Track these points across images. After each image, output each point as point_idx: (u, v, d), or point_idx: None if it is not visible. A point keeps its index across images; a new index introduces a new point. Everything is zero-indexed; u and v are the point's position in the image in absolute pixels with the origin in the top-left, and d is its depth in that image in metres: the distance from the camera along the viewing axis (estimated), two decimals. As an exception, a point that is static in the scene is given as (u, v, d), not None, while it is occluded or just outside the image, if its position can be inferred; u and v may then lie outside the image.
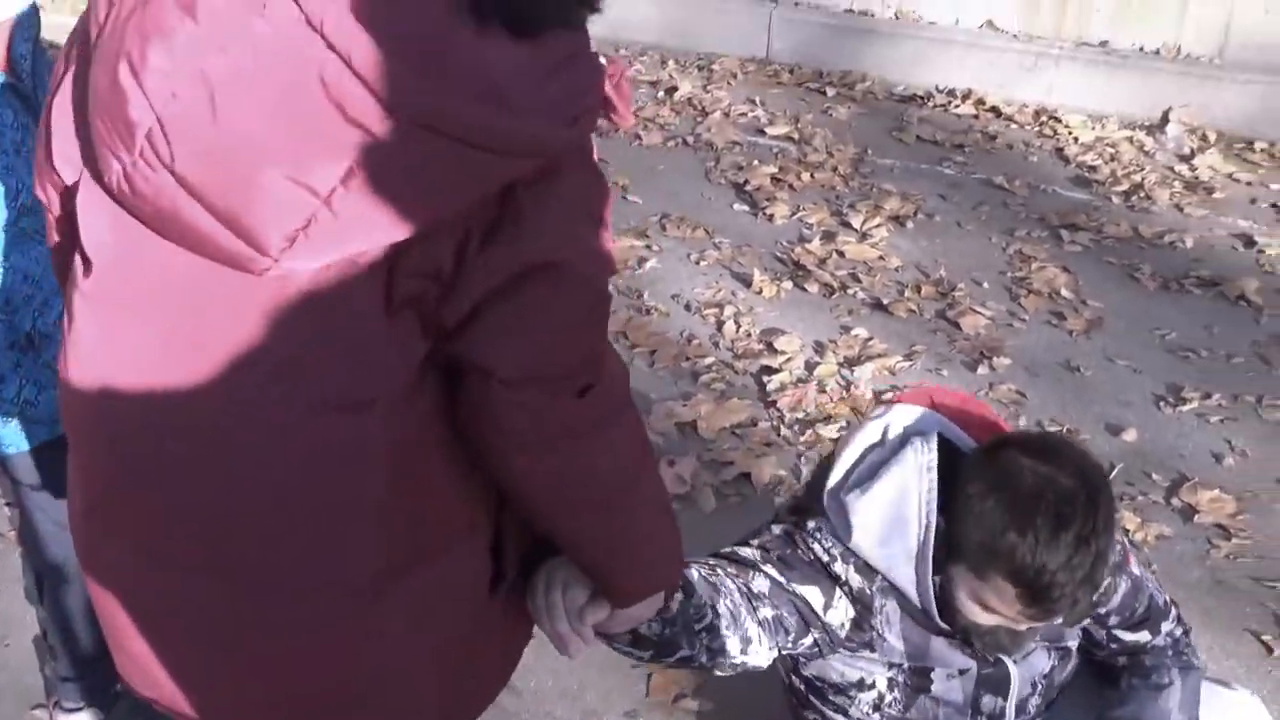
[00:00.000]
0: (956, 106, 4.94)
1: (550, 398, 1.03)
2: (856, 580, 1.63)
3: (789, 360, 3.22)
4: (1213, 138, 4.73)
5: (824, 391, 3.10)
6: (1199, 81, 4.82)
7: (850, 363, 3.23)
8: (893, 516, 1.58)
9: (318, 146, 0.90)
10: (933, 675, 1.68)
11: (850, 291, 3.57)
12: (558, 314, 1.00)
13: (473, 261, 0.97)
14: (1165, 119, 4.79)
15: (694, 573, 1.48)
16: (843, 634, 1.64)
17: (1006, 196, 4.21)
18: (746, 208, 4.09)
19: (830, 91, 5.07)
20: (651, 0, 5.50)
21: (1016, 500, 1.48)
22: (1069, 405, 3.12)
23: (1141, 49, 5.01)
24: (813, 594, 1.61)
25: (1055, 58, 4.97)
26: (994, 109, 4.92)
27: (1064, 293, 3.60)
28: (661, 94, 4.98)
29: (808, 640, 1.63)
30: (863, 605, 1.63)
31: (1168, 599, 1.82)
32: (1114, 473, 2.86)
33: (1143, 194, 4.26)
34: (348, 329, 0.98)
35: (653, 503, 1.18)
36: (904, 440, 1.63)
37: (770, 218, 4.00)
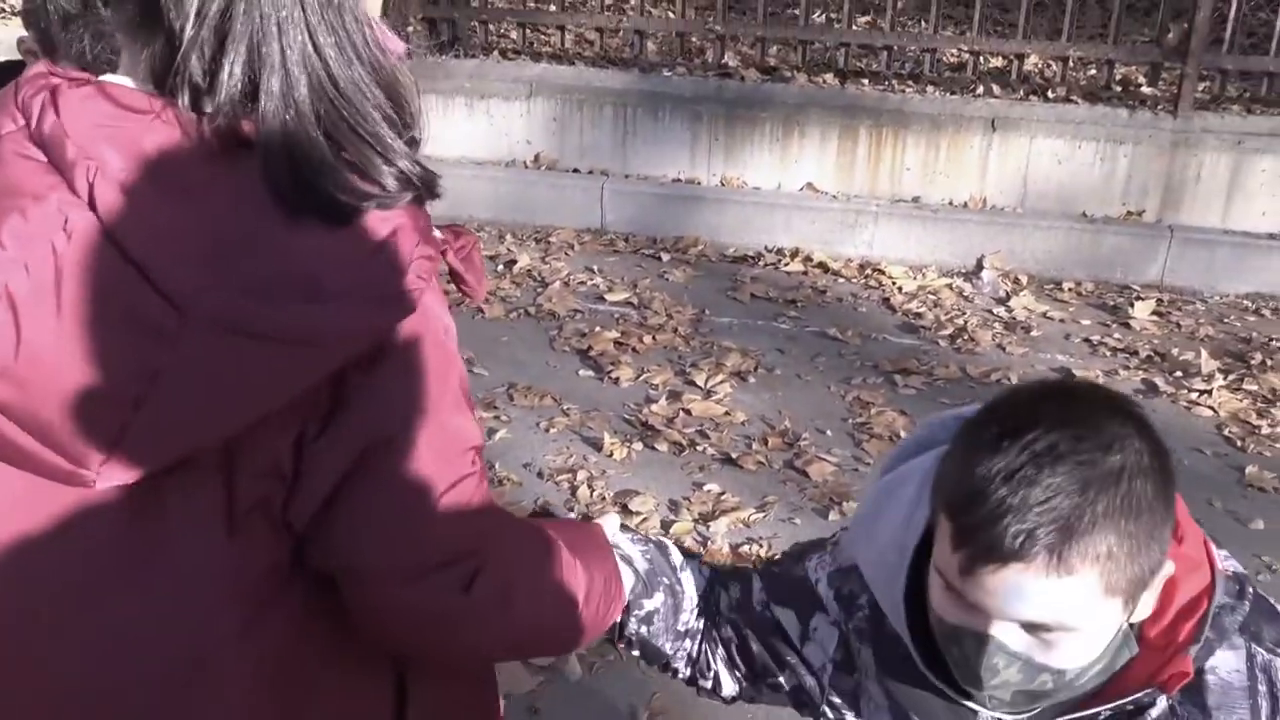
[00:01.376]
0: (786, 264, 5.15)
1: (435, 592, 0.99)
2: (835, 609, 1.33)
3: (645, 520, 3.23)
4: (1024, 280, 5.03)
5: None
6: (1006, 229, 5.16)
7: (705, 518, 3.25)
8: (890, 494, 1.28)
9: (122, 357, 0.86)
10: None
11: (699, 448, 3.62)
12: (412, 500, 0.96)
13: (312, 454, 0.92)
14: (979, 265, 5.09)
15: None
16: (825, 677, 1.33)
17: (840, 347, 4.37)
18: (592, 373, 4.14)
19: (665, 256, 5.23)
20: (487, 177, 5.64)
21: (985, 417, 1.11)
22: (919, 543, 3.19)
23: (950, 202, 5.35)
24: (787, 618, 1.35)
25: (873, 214, 5.25)
26: (821, 265, 5.14)
27: (903, 435, 3.72)
28: (501, 267, 5.05)
29: (781, 681, 1.36)
30: (843, 642, 1.33)
31: None
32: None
33: (967, 336, 4.47)
34: (183, 539, 0.94)
35: (583, 614, 1.19)
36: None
37: (616, 381, 4.06)
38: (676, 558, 1.41)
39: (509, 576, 1.05)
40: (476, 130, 5.82)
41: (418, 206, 0.97)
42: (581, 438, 3.69)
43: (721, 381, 4.03)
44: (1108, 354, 4.41)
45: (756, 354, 4.26)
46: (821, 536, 1.44)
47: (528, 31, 6.13)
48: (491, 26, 6.21)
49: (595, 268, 5.09)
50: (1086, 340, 4.52)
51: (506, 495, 3.34)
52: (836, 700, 1.34)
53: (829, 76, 5.67)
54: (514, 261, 5.10)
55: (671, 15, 6.07)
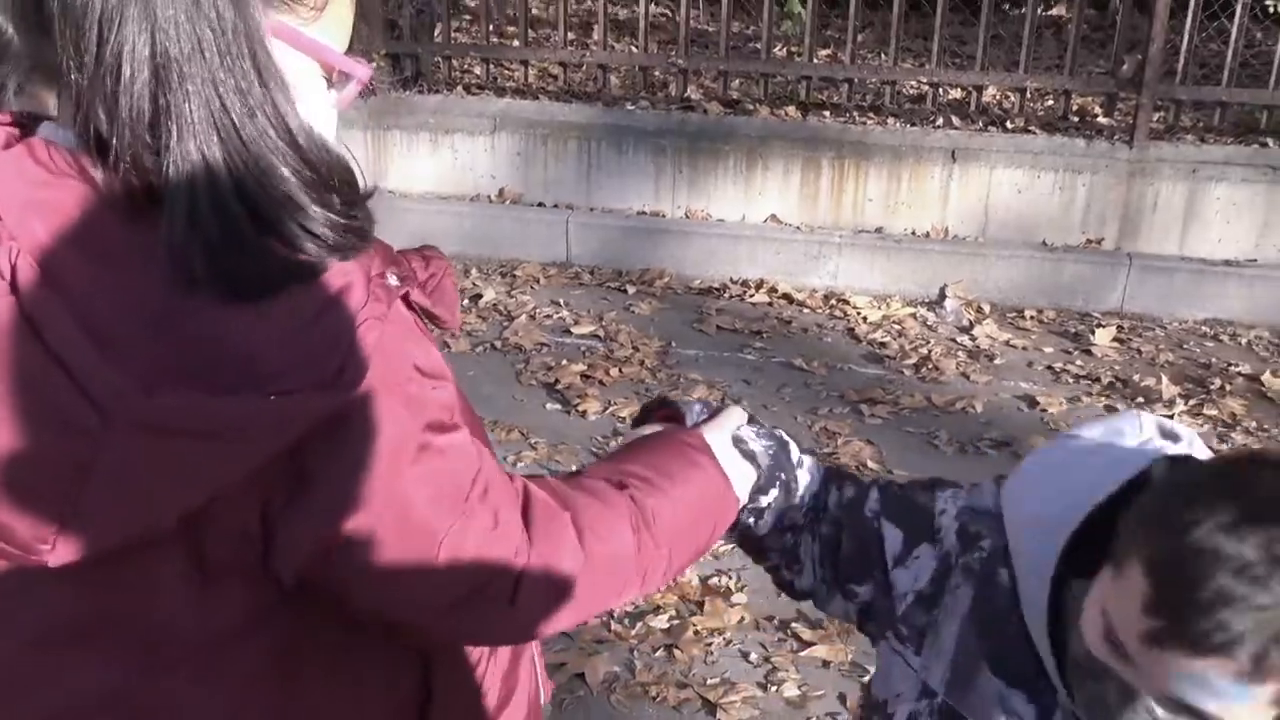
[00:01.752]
0: (751, 296, 5.18)
1: (479, 614, 0.98)
2: (952, 541, 1.28)
3: (613, 554, 3.22)
4: (987, 309, 5.08)
5: (651, 582, 3.10)
6: (968, 258, 5.21)
7: (674, 551, 3.24)
8: (1068, 466, 1.20)
9: (50, 453, 0.83)
10: None
11: (667, 480, 3.62)
12: (416, 551, 0.93)
13: (284, 523, 0.89)
14: (943, 295, 5.14)
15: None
16: (901, 606, 1.29)
17: (807, 377, 4.39)
18: (559, 406, 4.14)
19: (631, 289, 5.24)
20: (452, 212, 5.65)
21: (1223, 484, 1.01)
22: (887, 573, 3.20)
23: (913, 232, 5.40)
24: (893, 536, 1.32)
25: (837, 245, 5.29)
26: (786, 296, 5.17)
27: (870, 464, 3.74)
28: (467, 301, 5.05)
29: (859, 591, 1.34)
30: (940, 576, 1.28)
31: None
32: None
33: (931, 365, 4.51)
34: (147, 603, 0.92)
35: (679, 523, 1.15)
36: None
37: (583, 414, 4.05)
38: (795, 453, 1.39)
39: (555, 571, 1.02)
40: (441, 165, 5.83)
41: (375, 246, 0.94)
42: (549, 471, 3.67)
43: (688, 413, 4.03)
44: (1070, 381, 4.46)
45: (723, 385, 4.27)
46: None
47: (491, 66, 6.15)
48: (455, 62, 6.23)
49: (561, 301, 5.10)
50: (1049, 368, 4.56)
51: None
52: (904, 631, 1.30)
53: (791, 109, 5.72)
54: (480, 296, 5.10)
55: (634, 50, 6.11)
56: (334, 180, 0.89)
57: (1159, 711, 1.03)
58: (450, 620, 0.99)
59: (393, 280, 0.93)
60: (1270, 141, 5.29)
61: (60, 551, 0.86)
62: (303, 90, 0.91)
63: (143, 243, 0.83)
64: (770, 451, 1.36)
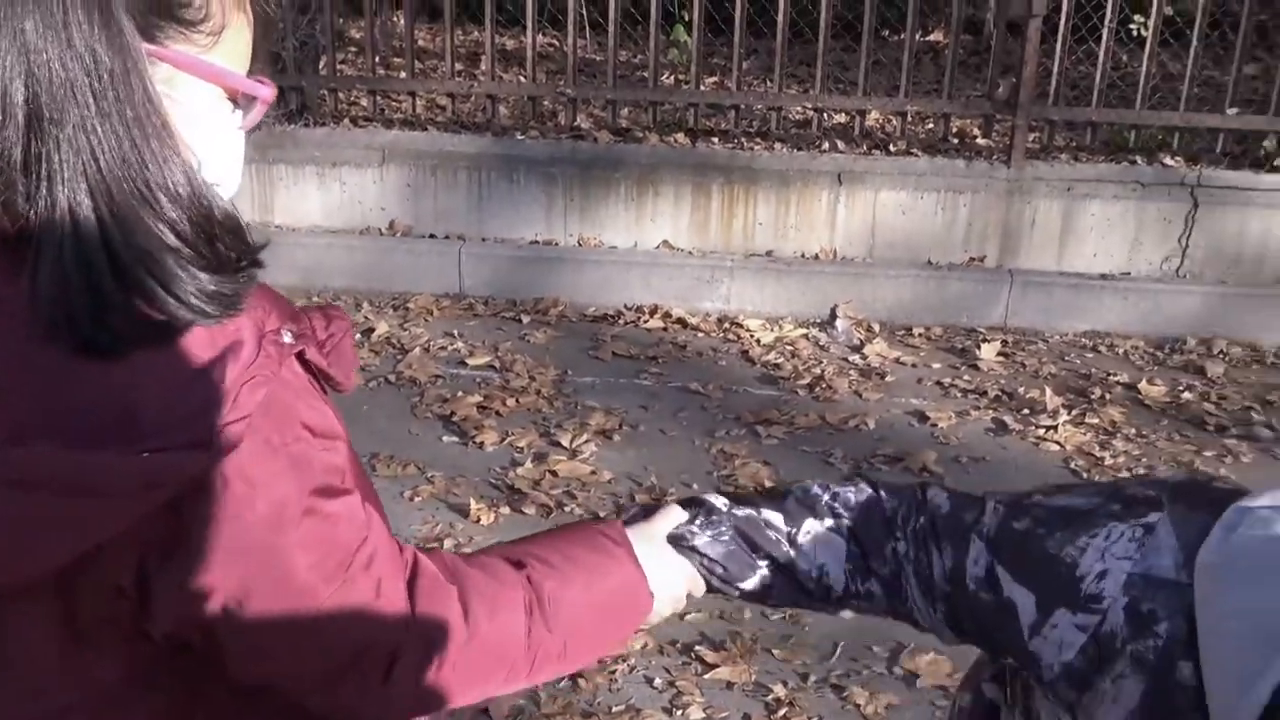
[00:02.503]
0: (646, 321, 5.20)
1: (354, 690, 0.96)
2: (1119, 621, 1.02)
3: (514, 585, 3.19)
4: (876, 327, 5.18)
5: (553, 612, 3.08)
6: (856, 279, 5.31)
7: (575, 579, 3.23)
8: None
9: None
10: None
11: (567, 509, 3.61)
12: (296, 617, 0.91)
13: (160, 585, 0.87)
14: (833, 315, 5.22)
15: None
16: (1049, 676, 1.07)
17: (703, 400, 4.42)
18: (456, 438, 4.10)
19: (525, 319, 5.23)
20: (342, 245, 5.58)
21: None
22: (787, 592, 3.22)
23: (803, 255, 5.49)
24: (1024, 602, 1.09)
25: (729, 269, 5.35)
26: (680, 321, 5.21)
27: (768, 484, 3.78)
28: (359, 335, 4.98)
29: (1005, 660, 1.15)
30: (1097, 657, 1.04)
31: None
32: (838, 652, 2.96)
33: (824, 385, 4.57)
34: (25, 653, 0.89)
35: (578, 617, 1.10)
36: None
37: (480, 445, 4.02)
38: (780, 532, 1.25)
39: (435, 647, 0.99)
40: (329, 199, 5.75)
41: (267, 299, 0.92)
42: (447, 505, 3.64)
43: (586, 441, 4.04)
44: (959, 395, 4.56)
45: (620, 412, 4.28)
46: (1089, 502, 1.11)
47: (378, 98, 6.10)
48: (341, 94, 6.17)
49: (455, 332, 5.06)
50: (938, 383, 4.66)
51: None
52: (1056, 695, 1.08)
53: (680, 136, 5.78)
54: (372, 330, 5.04)
55: (523, 79, 6.12)
56: (216, 233, 0.86)
57: None
58: (323, 691, 0.97)
59: (287, 337, 0.91)
60: (1139, 159, 5.50)
61: None
62: (208, 117, 0.90)
63: (11, 291, 0.81)
64: (724, 538, 1.26)
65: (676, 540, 1.25)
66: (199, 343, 0.84)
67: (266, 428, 0.86)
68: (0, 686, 0.90)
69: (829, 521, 1.27)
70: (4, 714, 0.91)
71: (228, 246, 0.87)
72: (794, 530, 1.27)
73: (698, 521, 1.26)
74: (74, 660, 0.89)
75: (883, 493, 1.28)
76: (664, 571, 1.19)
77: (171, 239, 0.83)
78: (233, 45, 0.92)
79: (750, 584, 1.26)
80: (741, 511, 1.28)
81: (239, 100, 0.94)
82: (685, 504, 1.30)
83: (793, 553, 1.26)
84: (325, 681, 0.96)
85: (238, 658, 0.92)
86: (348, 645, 0.95)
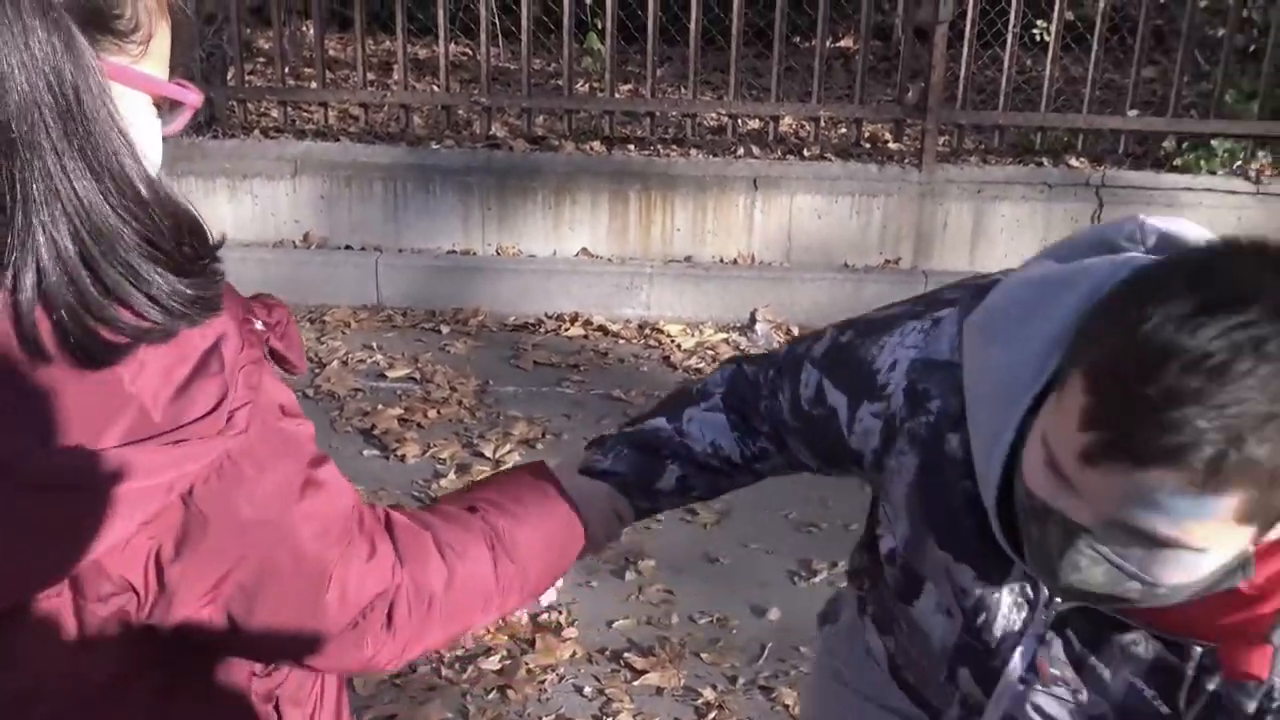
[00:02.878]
0: (566, 330, 5.19)
1: (361, 643, 1.02)
2: (899, 402, 1.15)
3: (440, 598, 3.16)
4: (796, 330, 5.23)
5: (480, 624, 3.06)
6: (775, 283, 5.36)
7: (502, 590, 3.21)
8: (1039, 302, 1.03)
9: None
10: (921, 591, 1.18)
11: (492, 519, 3.58)
12: (308, 592, 0.96)
13: (173, 571, 0.89)
14: (753, 319, 5.26)
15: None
16: (866, 462, 1.21)
17: (625, 407, 4.42)
18: (377, 452, 4.05)
19: (445, 329, 5.19)
20: (255, 259, 5.48)
21: (1182, 274, 0.87)
22: (715, 595, 3.24)
23: (721, 260, 5.52)
24: (839, 403, 1.22)
25: (648, 275, 5.36)
26: (601, 328, 5.21)
27: (692, 489, 3.78)
28: (275, 350, 4.90)
29: (850, 468, 1.27)
30: (887, 440, 1.17)
31: None
32: (765, 653, 2.98)
33: (746, 389, 4.60)
34: (30, 651, 0.89)
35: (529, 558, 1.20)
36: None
37: (402, 458, 3.98)
38: (668, 429, 1.41)
39: (424, 590, 1.06)
40: (241, 211, 5.65)
41: (231, 295, 0.94)
42: (369, 519, 3.59)
43: (510, 451, 4.01)
44: (878, 396, 4.62)
45: (543, 421, 4.26)
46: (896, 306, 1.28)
47: (289, 109, 6.01)
48: (250, 105, 6.07)
49: (374, 345, 5.01)
50: (857, 384, 4.72)
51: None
52: (874, 481, 1.24)
53: (596, 144, 5.78)
54: (288, 343, 4.95)
55: (436, 89, 6.08)
56: (184, 236, 0.88)
57: (1102, 548, 0.91)
58: (334, 651, 1.01)
59: (258, 325, 0.96)
60: (1045, 161, 5.63)
61: None
62: (140, 126, 0.90)
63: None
64: (624, 454, 1.40)
65: (587, 471, 1.39)
66: (190, 338, 0.87)
67: (262, 411, 0.90)
68: (2, 686, 0.90)
69: (704, 404, 1.42)
70: (5, 714, 0.90)
71: (194, 248, 0.89)
72: (677, 423, 1.41)
73: (597, 452, 1.41)
74: (75, 659, 0.90)
75: (743, 364, 1.44)
76: (588, 499, 1.33)
77: (147, 247, 0.85)
78: (158, 52, 0.92)
79: (665, 483, 1.40)
80: (630, 429, 1.44)
81: (164, 107, 0.95)
82: (586, 447, 1.47)
83: (685, 440, 1.39)
84: (336, 643, 1.01)
85: (252, 636, 0.95)
86: (356, 605, 1.00)
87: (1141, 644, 1.04)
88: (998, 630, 1.11)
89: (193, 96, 0.95)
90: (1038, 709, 1.12)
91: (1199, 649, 1.01)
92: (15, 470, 0.80)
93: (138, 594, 0.90)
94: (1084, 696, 1.08)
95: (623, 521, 1.43)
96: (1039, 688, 1.11)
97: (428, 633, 1.08)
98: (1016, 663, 1.11)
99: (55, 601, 0.88)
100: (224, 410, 0.87)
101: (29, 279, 0.80)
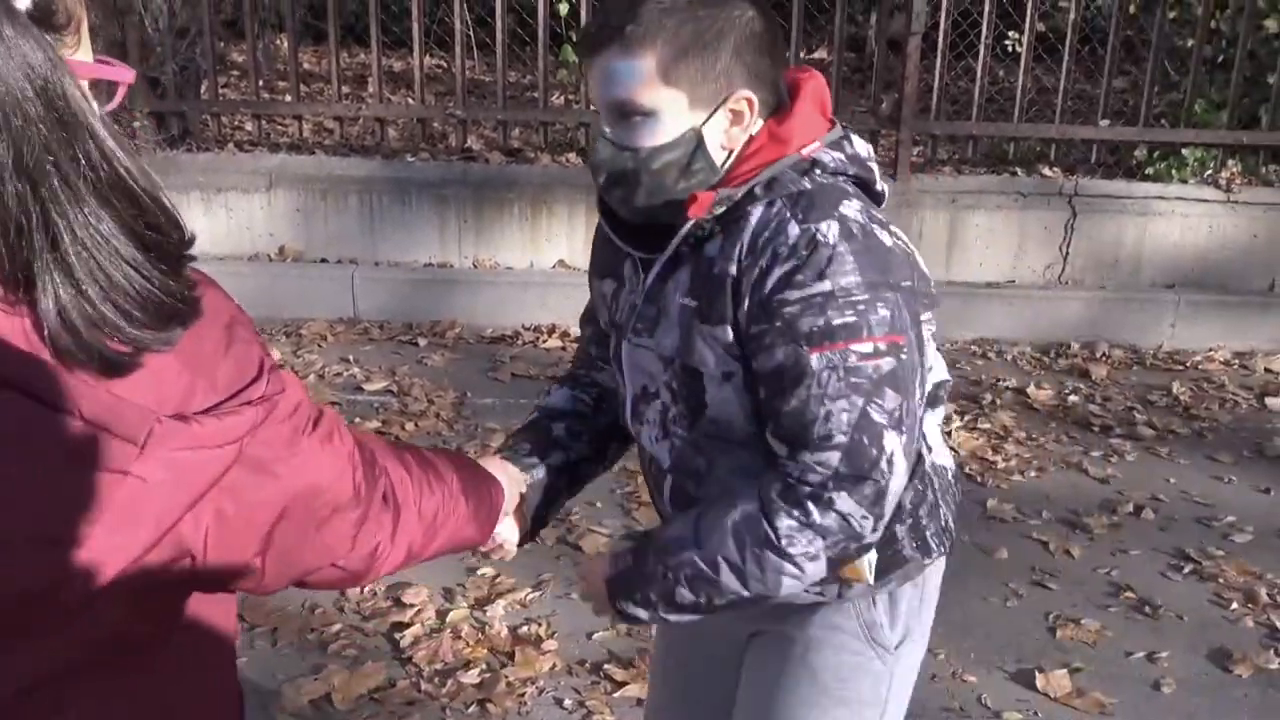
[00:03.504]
0: (544, 341, 5.19)
1: (376, 523, 1.11)
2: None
3: (419, 612, 3.15)
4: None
5: (459, 638, 3.04)
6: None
7: (481, 603, 3.20)
8: None
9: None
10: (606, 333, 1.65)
11: (471, 532, 3.57)
12: (318, 521, 1.03)
13: (218, 533, 0.93)
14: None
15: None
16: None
17: (604, 418, 4.41)
18: (354, 465, 4.02)
19: (422, 342, 5.17)
20: (230, 272, 5.44)
21: None
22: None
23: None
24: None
25: (625, 287, 5.36)
26: (578, 340, 5.19)
27: (671, 500, 3.78)
28: (251, 364, 4.87)
29: None
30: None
31: (876, 452, 1.34)
32: (746, 663, 2.98)
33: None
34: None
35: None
36: None
37: (380, 472, 3.96)
38: (535, 415, 1.76)
39: (396, 519, 1.16)
40: (215, 225, 5.63)
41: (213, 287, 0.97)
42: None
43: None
44: (855, 405, 4.63)
45: (521, 432, 4.25)
46: None
47: (263, 122, 6.00)
48: (224, 118, 6.05)
49: (351, 358, 4.99)
50: (835, 394, 4.72)
51: (272, 601, 3.19)
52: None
53: (572, 155, 5.79)
54: (264, 357, 4.93)
55: (411, 101, 6.07)
56: (166, 227, 0.90)
57: (606, 130, 1.40)
58: (360, 541, 1.10)
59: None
60: (1019, 171, 5.68)
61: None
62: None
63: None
64: (520, 439, 1.70)
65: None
66: (215, 310, 0.93)
67: (276, 378, 0.96)
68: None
69: (565, 380, 1.81)
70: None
71: (174, 241, 0.91)
72: (546, 398, 1.78)
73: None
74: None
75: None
76: (499, 470, 1.54)
77: (143, 254, 0.87)
78: (86, 38, 0.93)
79: (558, 431, 1.70)
80: (517, 427, 1.76)
81: (101, 88, 0.96)
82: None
83: (548, 405, 1.75)
84: (343, 560, 1.09)
85: (275, 571, 1.01)
86: (351, 527, 1.07)
87: (685, 276, 1.43)
88: (621, 314, 1.54)
89: (128, 74, 0.95)
90: (636, 364, 1.52)
91: (717, 258, 1.40)
92: (164, 434, 0.84)
93: (194, 556, 0.92)
94: (657, 339, 1.47)
95: (524, 499, 1.63)
96: (632, 340, 1.51)
97: (387, 557, 1.15)
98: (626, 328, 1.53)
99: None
100: (262, 379, 0.93)
101: (48, 295, 0.82)
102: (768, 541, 1.37)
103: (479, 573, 3.34)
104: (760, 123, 1.41)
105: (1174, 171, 5.57)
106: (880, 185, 1.48)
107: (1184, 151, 5.58)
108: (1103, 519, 3.77)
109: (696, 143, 1.38)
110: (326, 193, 5.59)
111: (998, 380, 4.89)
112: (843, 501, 1.34)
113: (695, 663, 1.79)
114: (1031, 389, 4.77)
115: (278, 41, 7.52)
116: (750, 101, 1.38)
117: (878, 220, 1.38)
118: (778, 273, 1.33)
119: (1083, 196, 5.49)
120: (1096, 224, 5.51)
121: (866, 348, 1.32)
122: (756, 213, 1.37)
